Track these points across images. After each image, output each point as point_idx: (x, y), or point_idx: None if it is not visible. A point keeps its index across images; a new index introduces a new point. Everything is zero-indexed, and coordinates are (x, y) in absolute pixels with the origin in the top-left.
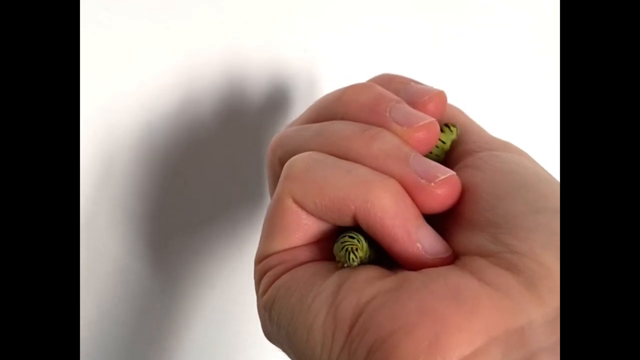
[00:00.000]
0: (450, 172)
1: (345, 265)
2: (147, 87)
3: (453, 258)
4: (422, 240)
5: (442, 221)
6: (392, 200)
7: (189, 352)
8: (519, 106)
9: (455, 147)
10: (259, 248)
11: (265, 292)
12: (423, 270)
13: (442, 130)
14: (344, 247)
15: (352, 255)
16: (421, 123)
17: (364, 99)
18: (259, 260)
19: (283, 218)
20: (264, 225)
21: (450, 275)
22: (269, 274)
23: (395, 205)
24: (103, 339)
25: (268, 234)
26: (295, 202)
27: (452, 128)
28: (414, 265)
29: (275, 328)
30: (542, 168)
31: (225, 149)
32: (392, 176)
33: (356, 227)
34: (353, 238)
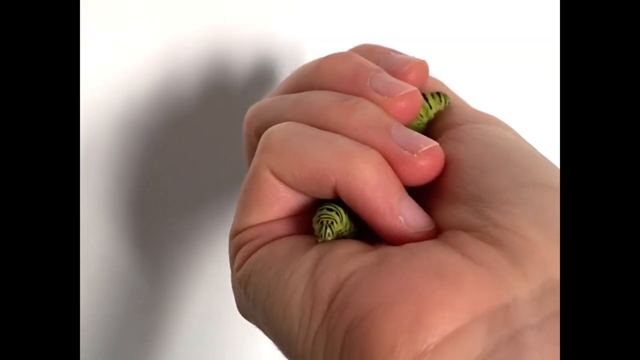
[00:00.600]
0: (433, 143)
1: (320, 240)
2: (130, 69)
3: (436, 232)
4: (404, 213)
5: (424, 195)
6: (373, 172)
7: (180, 343)
8: (511, 90)
9: (437, 119)
10: (234, 221)
11: (240, 266)
12: (405, 245)
13: (432, 98)
14: (319, 220)
15: (328, 230)
16: (402, 92)
17: (343, 69)
18: (233, 234)
19: (260, 191)
20: (240, 198)
21: (433, 250)
22: (244, 248)
23: (377, 177)
24: (93, 336)
25: (244, 207)
26: (273, 174)
27: (442, 97)
28: (396, 239)
29: (250, 304)
30: (526, 142)
31: (211, 131)
32: (373, 147)
33: (337, 200)
34: (331, 210)
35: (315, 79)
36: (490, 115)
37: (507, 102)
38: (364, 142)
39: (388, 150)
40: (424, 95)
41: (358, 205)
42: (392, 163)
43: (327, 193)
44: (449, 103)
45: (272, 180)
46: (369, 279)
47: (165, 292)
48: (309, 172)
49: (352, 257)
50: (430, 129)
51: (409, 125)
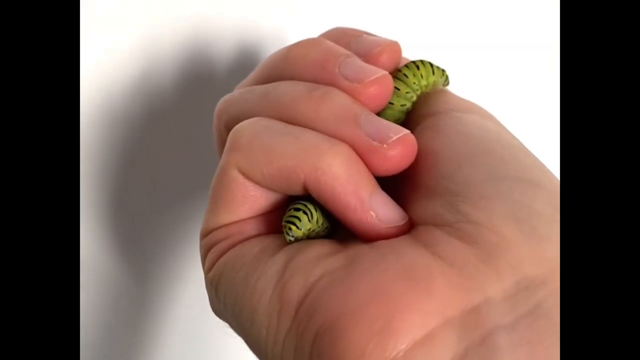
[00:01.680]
0: (404, 131)
1: (288, 239)
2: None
3: (409, 226)
4: (376, 208)
5: (400, 188)
6: (343, 167)
7: (169, 340)
8: (504, 80)
9: (417, 106)
10: (203, 221)
11: (210, 268)
12: (375, 244)
13: (419, 68)
14: (289, 220)
15: (292, 231)
16: (372, 77)
17: (312, 56)
18: (203, 235)
19: (228, 190)
20: (209, 197)
21: (403, 251)
22: (214, 249)
23: (346, 172)
24: (82, 338)
25: (213, 207)
26: (242, 173)
27: (434, 68)
28: (368, 234)
29: (222, 306)
30: (506, 131)
31: (192, 123)
32: (343, 139)
33: (309, 197)
34: (298, 210)
35: (285, 67)
36: (471, 103)
37: (500, 92)
38: (334, 135)
39: (357, 142)
40: (409, 66)
41: (328, 201)
42: (362, 154)
43: (296, 190)
44: (446, 77)
45: (241, 179)
46: (338, 283)
47: (152, 288)
48: (278, 170)
49: (320, 260)
50: (410, 116)
51: (388, 112)
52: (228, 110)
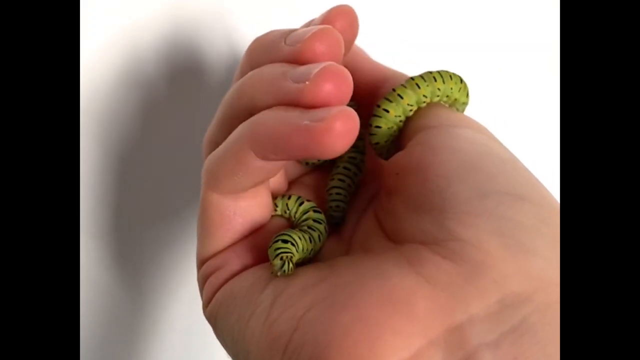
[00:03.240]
0: (322, 65)
1: (280, 274)
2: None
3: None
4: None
5: (392, 201)
6: (272, 119)
7: (165, 349)
8: (504, 80)
9: (409, 120)
10: (196, 252)
11: (208, 303)
12: (361, 266)
13: (422, 79)
14: (277, 254)
15: (286, 265)
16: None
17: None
18: (199, 266)
19: (207, 215)
20: (197, 229)
21: (387, 274)
22: (209, 281)
23: (275, 120)
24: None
25: (199, 235)
26: (217, 192)
27: (450, 75)
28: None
29: (222, 342)
30: (498, 144)
31: (188, 125)
32: (276, 96)
33: (289, 227)
34: (286, 242)
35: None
36: (463, 116)
37: (500, 92)
38: (267, 92)
39: (286, 90)
40: (410, 82)
41: (279, 152)
42: (293, 100)
43: (258, 169)
44: (462, 83)
45: (215, 200)
46: (323, 314)
47: (147, 300)
48: (231, 170)
49: (306, 292)
50: (403, 129)
51: (377, 130)
52: (206, 145)
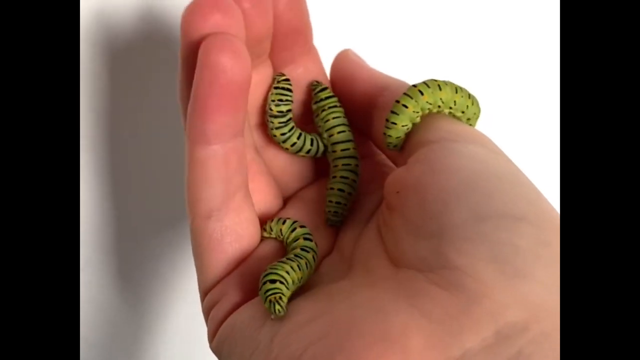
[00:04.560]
0: None
1: (272, 317)
2: None
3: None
4: None
5: (394, 220)
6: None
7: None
8: (504, 80)
9: (412, 134)
10: (198, 285)
11: (212, 337)
12: (357, 300)
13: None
14: (267, 297)
15: (277, 307)
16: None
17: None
18: (202, 296)
19: (198, 243)
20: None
21: (383, 309)
22: (212, 315)
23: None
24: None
25: (197, 267)
26: (199, 217)
27: (442, 85)
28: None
29: None
30: (498, 159)
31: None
32: None
33: (279, 258)
34: (274, 282)
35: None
36: (465, 129)
37: (500, 92)
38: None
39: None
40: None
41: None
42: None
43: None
44: (463, 92)
45: (202, 225)
46: (320, 356)
47: (146, 308)
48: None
49: (303, 329)
50: (405, 143)
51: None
52: None
